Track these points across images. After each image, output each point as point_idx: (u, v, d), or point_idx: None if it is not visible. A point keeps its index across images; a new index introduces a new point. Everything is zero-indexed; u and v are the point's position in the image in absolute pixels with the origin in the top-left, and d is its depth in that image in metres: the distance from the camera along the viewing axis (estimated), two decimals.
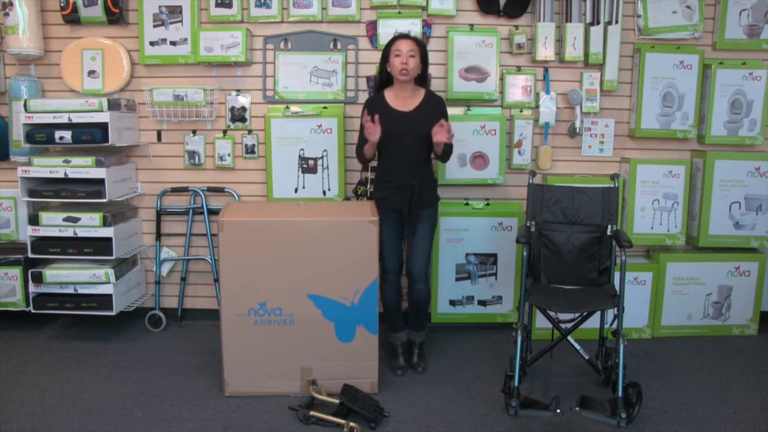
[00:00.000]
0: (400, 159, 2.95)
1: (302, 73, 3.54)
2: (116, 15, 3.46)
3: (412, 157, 2.96)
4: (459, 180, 3.57)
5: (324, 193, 3.57)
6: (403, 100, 2.97)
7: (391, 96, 2.99)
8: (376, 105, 2.97)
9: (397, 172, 2.95)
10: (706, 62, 3.50)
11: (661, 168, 3.52)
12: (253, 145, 3.61)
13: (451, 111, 3.21)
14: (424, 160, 3.01)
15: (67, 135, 3.24)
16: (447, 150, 2.97)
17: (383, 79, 3.02)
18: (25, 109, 3.26)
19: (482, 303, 3.61)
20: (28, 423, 2.61)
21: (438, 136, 2.83)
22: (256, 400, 2.79)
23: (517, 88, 3.55)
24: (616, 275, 2.81)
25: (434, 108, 2.98)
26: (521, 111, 3.58)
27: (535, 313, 3.42)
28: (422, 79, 3.01)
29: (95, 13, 3.45)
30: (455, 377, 3.05)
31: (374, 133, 2.82)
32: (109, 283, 3.34)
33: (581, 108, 3.54)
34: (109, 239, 3.31)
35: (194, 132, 3.62)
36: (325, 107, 3.54)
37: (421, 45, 2.94)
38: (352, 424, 2.54)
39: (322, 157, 3.54)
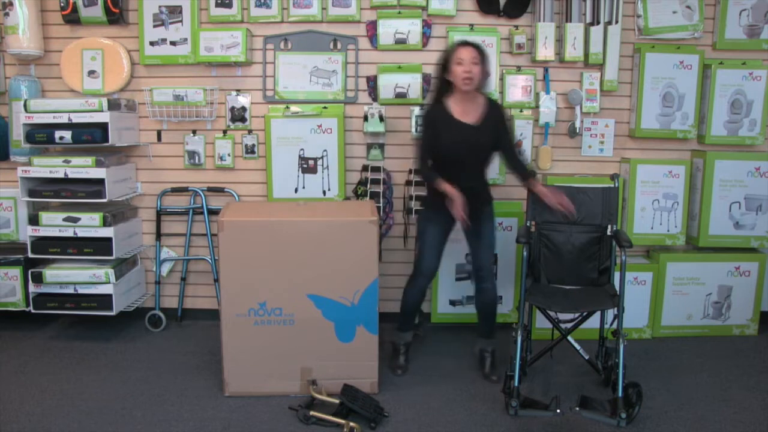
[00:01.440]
0: (463, 167, 2.89)
1: (302, 73, 3.54)
2: (116, 15, 3.46)
3: (475, 165, 2.94)
4: None
5: (324, 193, 3.57)
6: (466, 111, 2.89)
7: (453, 106, 2.90)
8: (440, 116, 2.90)
9: (456, 176, 2.87)
10: (706, 62, 3.50)
11: (661, 168, 3.51)
12: (253, 145, 3.61)
13: None
14: (485, 166, 3.00)
15: (67, 135, 3.24)
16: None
17: (442, 88, 2.93)
18: (25, 109, 3.26)
19: None
20: (28, 423, 2.61)
21: (557, 199, 2.85)
22: (256, 400, 2.79)
23: (517, 88, 3.54)
24: (616, 275, 2.81)
25: (498, 117, 2.94)
26: (521, 111, 3.58)
27: (535, 313, 3.41)
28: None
29: (95, 13, 3.45)
30: (455, 377, 3.05)
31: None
32: (109, 283, 3.34)
33: (581, 108, 3.54)
34: (109, 239, 3.31)
35: (194, 132, 3.62)
36: (325, 107, 3.53)
37: (482, 52, 2.86)
38: (352, 424, 2.54)
39: (322, 157, 3.54)
